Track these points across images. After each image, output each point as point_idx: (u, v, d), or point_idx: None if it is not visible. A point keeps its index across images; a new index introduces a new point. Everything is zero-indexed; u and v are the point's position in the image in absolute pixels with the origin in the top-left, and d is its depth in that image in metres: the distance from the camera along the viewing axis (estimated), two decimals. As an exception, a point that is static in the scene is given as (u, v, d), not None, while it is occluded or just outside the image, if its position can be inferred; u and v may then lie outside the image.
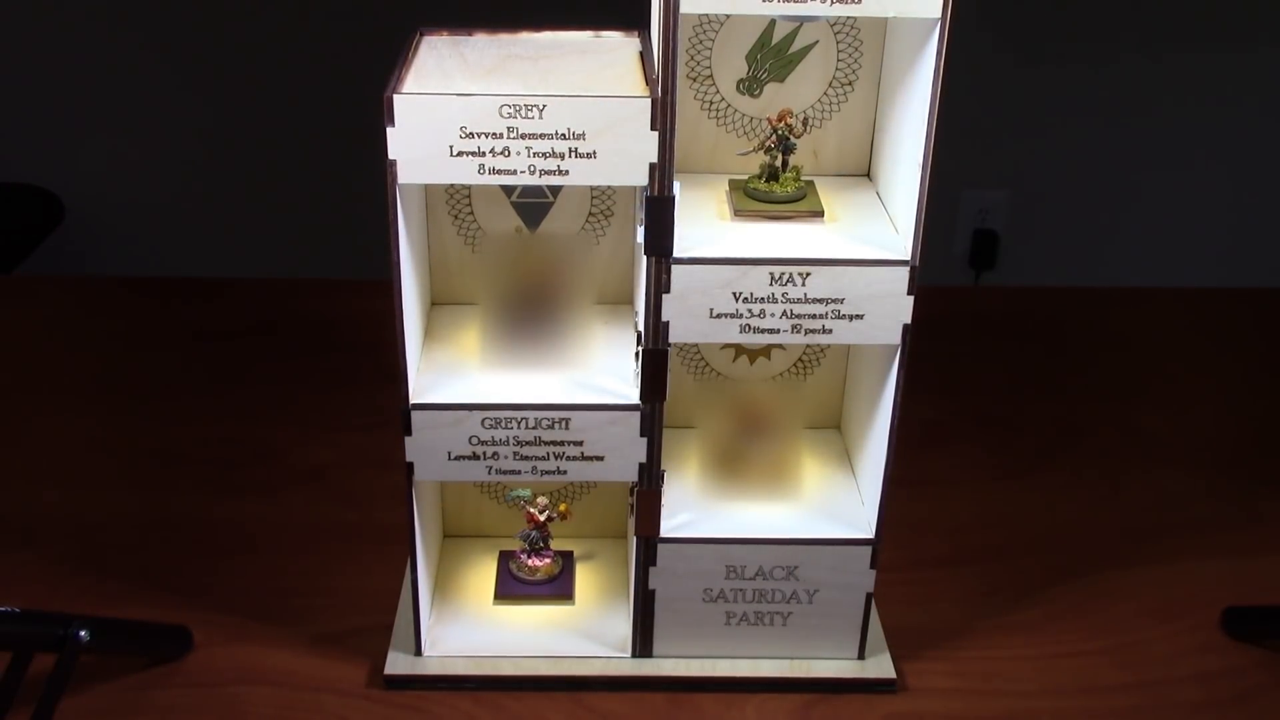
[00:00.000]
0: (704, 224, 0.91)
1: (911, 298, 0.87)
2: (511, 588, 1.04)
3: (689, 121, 0.97)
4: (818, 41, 0.94)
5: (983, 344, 1.50)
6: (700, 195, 0.95)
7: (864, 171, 0.99)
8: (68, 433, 1.30)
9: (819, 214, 0.91)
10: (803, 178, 0.94)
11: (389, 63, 0.86)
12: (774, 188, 0.92)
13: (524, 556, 1.05)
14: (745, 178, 0.95)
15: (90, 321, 1.53)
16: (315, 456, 1.26)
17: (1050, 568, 1.12)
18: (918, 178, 0.83)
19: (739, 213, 0.91)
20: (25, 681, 0.84)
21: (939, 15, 0.79)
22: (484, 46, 0.91)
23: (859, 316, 0.88)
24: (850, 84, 0.95)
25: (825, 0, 0.79)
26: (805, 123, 0.95)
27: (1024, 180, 2.72)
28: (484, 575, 1.07)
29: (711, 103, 0.96)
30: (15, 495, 1.19)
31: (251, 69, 2.50)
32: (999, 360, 1.47)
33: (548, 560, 1.05)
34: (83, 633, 0.86)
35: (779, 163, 0.93)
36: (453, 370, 0.94)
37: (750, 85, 0.96)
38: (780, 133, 0.92)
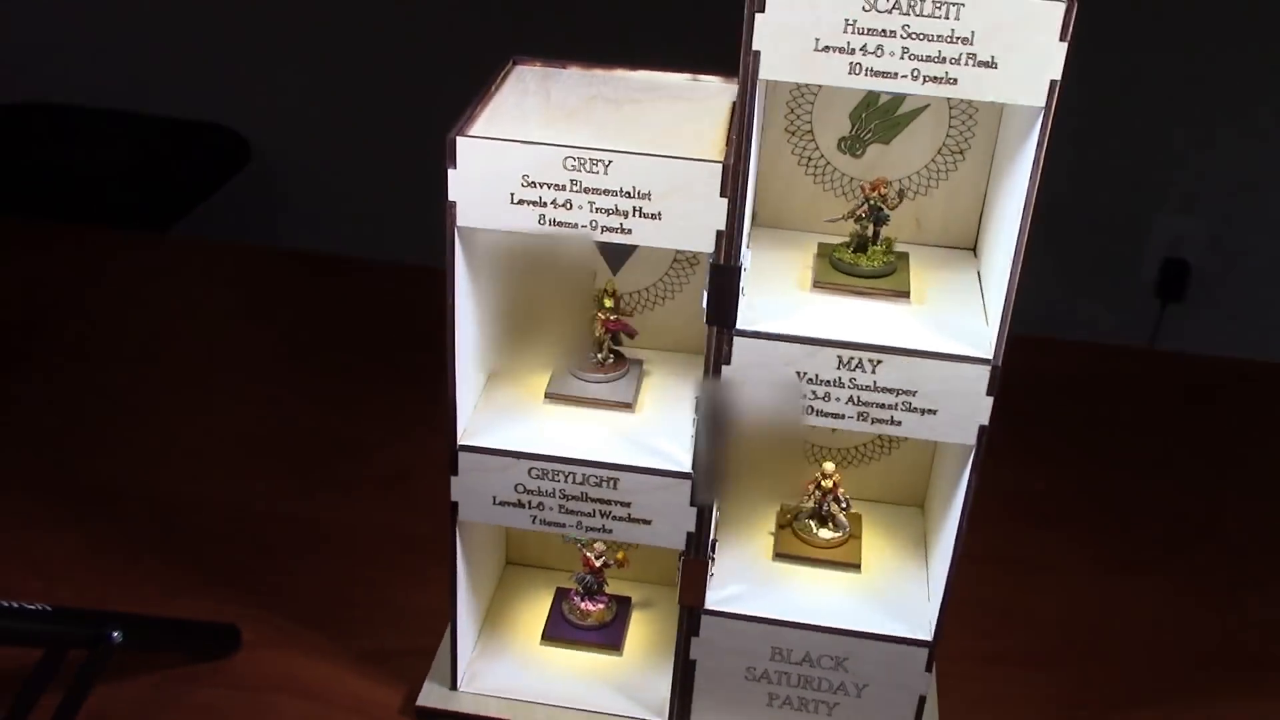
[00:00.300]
0: (780, 291, 0.86)
1: (991, 399, 0.81)
2: (561, 629, 1.02)
3: (784, 177, 0.92)
4: (929, 105, 0.87)
5: (1124, 412, 1.40)
6: (786, 257, 0.90)
7: (970, 245, 0.92)
8: (180, 414, 1.33)
9: (904, 294, 0.85)
10: (898, 248, 0.88)
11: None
12: (860, 260, 0.86)
13: (577, 599, 1.02)
14: (837, 242, 0.89)
15: (217, 293, 1.56)
16: (402, 458, 1.26)
17: (1143, 683, 1.03)
18: (1008, 271, 0.77)
19: (818, 284, 0.86)
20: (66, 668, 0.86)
21: (1042, 104, 0.72)
22: (573, 84, 0.88)
23: (931, 411, 0.82)
24: (961, 152, 0.89)
25: (917, 79, 0.72)
26: (901, 194, 0.88)
27: (1224, 212, 2.53)
28: (539, 610, 1.04)
29: (810, 159, 0.91)
30: (101, 472, 1.22)
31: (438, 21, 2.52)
32: (1142, 433, 1.37)
33: (601, 605, 1.02)
34: (116, 634, 0.87)
35: (870, 233, 0.87)
36: (510, 412, 0.91)
37: (853, 145, 0.90)
38: (873, 202, 0.86)
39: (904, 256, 0.89)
